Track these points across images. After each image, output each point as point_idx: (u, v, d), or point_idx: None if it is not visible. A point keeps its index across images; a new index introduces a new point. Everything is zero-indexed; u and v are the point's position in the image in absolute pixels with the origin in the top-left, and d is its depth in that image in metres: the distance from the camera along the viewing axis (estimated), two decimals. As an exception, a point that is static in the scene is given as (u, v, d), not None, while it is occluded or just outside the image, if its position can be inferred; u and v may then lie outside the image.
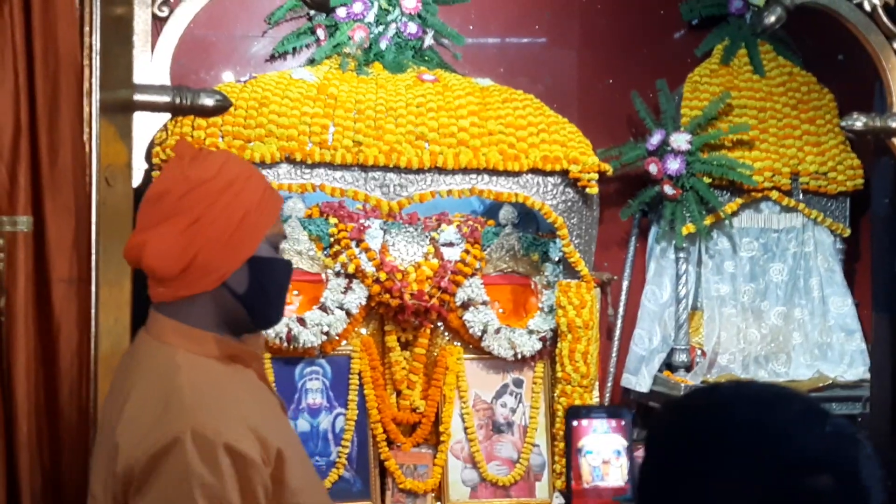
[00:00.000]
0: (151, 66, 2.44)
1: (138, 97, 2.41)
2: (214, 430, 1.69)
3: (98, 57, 2.20)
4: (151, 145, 2.50)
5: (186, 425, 1.69)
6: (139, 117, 2.42)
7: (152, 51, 2.44)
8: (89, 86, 2.19)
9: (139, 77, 2.43)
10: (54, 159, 2.13)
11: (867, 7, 2.86)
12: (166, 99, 2.44)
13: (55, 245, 2.15)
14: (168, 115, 2.49)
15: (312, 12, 3.82)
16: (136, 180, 2.40)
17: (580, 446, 1.88)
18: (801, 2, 2.88)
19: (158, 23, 2.46)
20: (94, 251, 2.21)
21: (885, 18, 3.02)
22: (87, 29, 2.20)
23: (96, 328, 2.21)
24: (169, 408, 1.72)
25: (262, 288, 1.86)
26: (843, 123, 3.01)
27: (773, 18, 2.92)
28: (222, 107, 2.50)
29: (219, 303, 1.84)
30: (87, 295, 2.21)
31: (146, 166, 2.47)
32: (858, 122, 2.92)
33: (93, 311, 2.21)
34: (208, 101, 2.47)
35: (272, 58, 3.91)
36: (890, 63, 3.01)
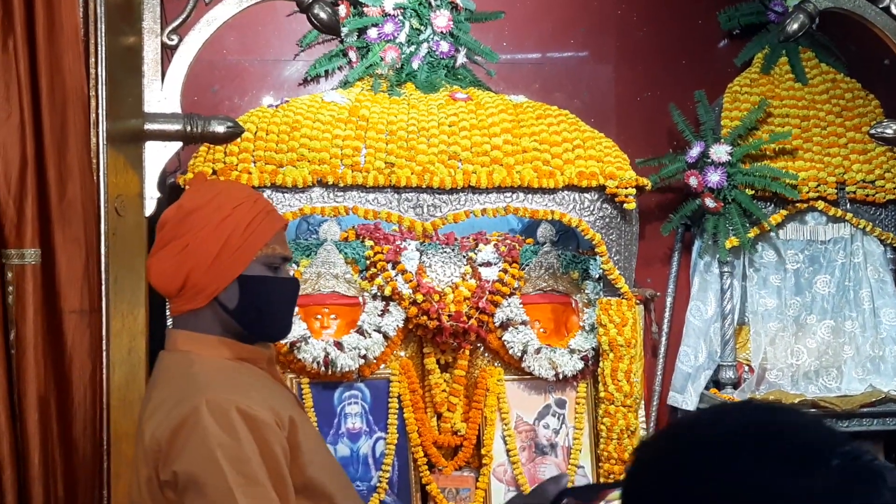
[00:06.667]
0: (162, 94, 2.43)
1: (149, 126, 2.40)
2: (226, 399, 1.86)
3: (105, 87, 2.20)
4: (164, 174, 2.48)
5: (202, 397, 1.86)
6: (151, 146, 2.41)
7: (162, 80, 2.44)
8: (96, 116, 2.19)
9: (150, 106, 2.42)
10: (63, 191, 2.14)
11: (894, 11, 2.76)
12: (177, 127, 2.43)
13: (65, 276, 2.16)
14: (180, 144, 2.47)
15: (344, 33, 3.80)
16: (149, 209, 2.40)
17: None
18: (825, 8, 2.79)
19: (168, 51, 2.45)
20: (104, 281, 2.21)
21: (913, 22, 2.92)
22: (92, 60, 2.20)
23: (108, 359, 2.21)
24: (185, 391, 1.90)
25: (253, 304, 2.02)
26: (873, 131, 2.91)
27: (795, 26, 2.84)
28: (233, 133, 2.49)
29: (218, 317, 2.02)
30: (100, 326, 2.21)
31: (159, 195, 2.46)
32: (889, 129, 2.83)
33: (104, 341, 2.21)
34: (219, 128, 2.45)
35: (305, 81, 3.90)
36: (921, 68, 2.91)
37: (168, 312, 2.06)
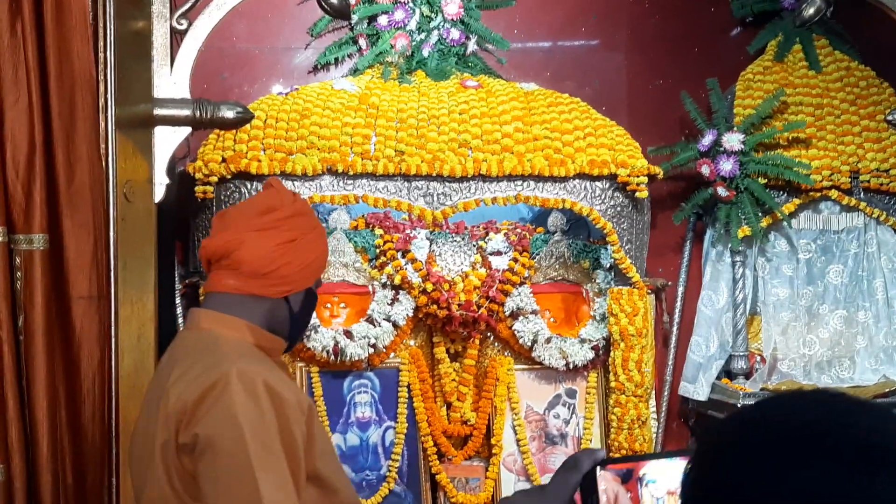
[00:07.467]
0: (171, 79, 2.42)
1: (158, 111, 2.39)
2: (256, 371, 1.92)
3: (113, 72, 2.19)
4: (173, 160, 2.46)
5: (233, 365, 1.91)
6: (160, 132, 2.40)
7: (172, 64, 2.42)
8: (104, 101, 2.18)
9: (159, 91, 2.41)
10: (71, 176, 2.13)
11: (912, -5, 2.72)
12: (186, 112, 2.42)
13: (74, 262, 2.15)
14: (189, 129, 2.45)
15: (355, 20, 3.78)
16: (158, 195, 2.39)
17: (641, 475, 1.69)
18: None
19: (178, 36, 2.43)
20: (112, 268, 2.20)
21: (930, 7, 2.88)
22: (101, 44, 2.19)
23: (116, 345, 2.20)
24: (216, 360, 1.95)
25: (305, 315, 2.19)
26: (890, 117, 2.87)
27: (812, 11, 2.81)
28: (243, 119, 2.48)
29: (274, 312, 2.11)
30: (108, 312, 2.20)
31: (168, 181, 2.45)
32: (904, 116, 2.79)
33: (112, 328, 2.20)
34: (228, 114, 2.44)
35: (315, 69, 3.87)
36: (938, 54, 2.86)
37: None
